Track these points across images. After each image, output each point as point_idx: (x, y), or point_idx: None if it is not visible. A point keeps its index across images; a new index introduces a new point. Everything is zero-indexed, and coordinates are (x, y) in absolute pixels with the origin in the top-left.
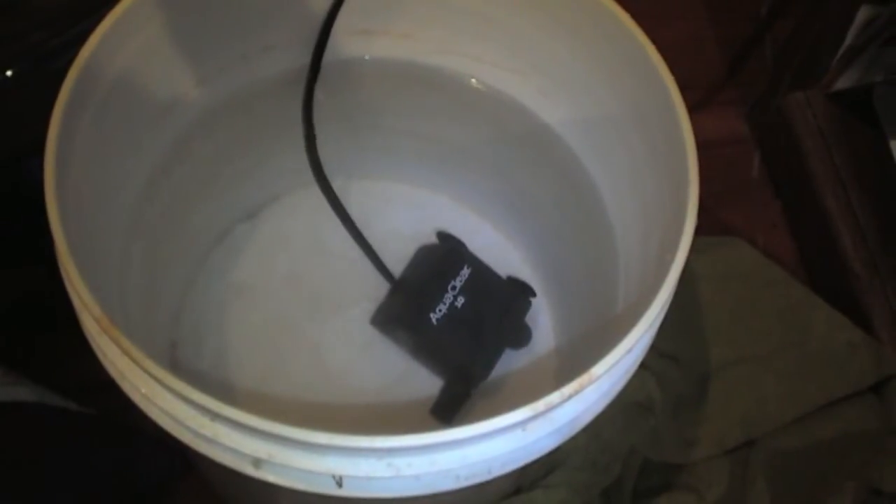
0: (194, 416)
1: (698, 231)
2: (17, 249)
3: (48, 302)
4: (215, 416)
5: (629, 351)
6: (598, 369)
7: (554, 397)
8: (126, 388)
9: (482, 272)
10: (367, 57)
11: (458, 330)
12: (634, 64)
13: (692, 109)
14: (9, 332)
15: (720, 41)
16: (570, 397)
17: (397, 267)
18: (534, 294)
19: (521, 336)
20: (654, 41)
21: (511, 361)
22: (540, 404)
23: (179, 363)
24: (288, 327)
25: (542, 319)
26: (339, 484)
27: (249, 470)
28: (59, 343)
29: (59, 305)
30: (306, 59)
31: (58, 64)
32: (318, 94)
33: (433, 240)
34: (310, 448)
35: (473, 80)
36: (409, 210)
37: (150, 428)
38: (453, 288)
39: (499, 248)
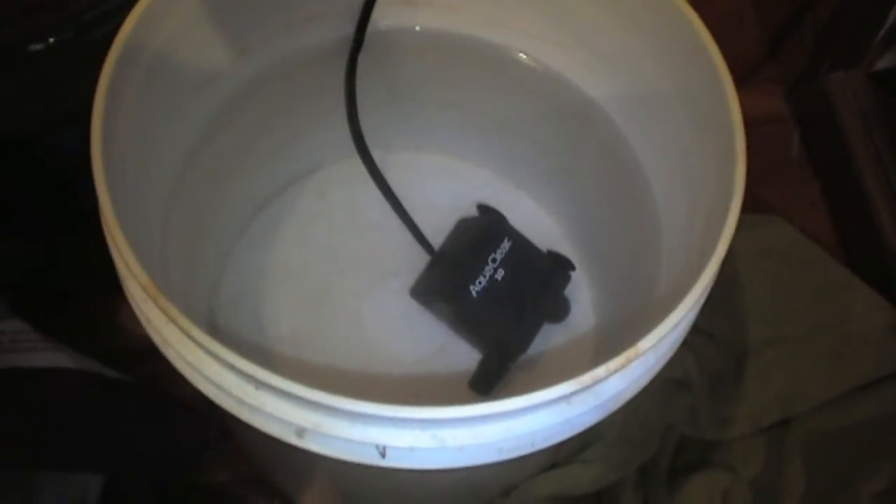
0: (239, 385)
1: None
2: (42, 220)
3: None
4: (260, 385)
5: (675, 326)
6: (644, 344)
7: (600, 371)
8: (170, 355)
9: (522, 245)
10: (411, 28)
11: (497, 303)
12: (682, 40)
13: None
14: (34, 301)
15: (761, 19)
16: (615, 371)
17: (437, 239)
18: (573, 268)
19: (560, 310)
20: None
21: (549, 336)
22: (586, 378)
23: (218, 330)
24: (327, 297)
25: (582, 294)
26: (383, 454)
27: (293, 439)
28: (87, 312)
29: (85, 274)
30: (349, 30)
31: (99, 33)
32: (361, 65)
33: (473, 212)
34: (355, 418)
35: (519, 54)
36: (449, 182)
37: (185, 396)
38: (493, 260)
39: (539, 222)
